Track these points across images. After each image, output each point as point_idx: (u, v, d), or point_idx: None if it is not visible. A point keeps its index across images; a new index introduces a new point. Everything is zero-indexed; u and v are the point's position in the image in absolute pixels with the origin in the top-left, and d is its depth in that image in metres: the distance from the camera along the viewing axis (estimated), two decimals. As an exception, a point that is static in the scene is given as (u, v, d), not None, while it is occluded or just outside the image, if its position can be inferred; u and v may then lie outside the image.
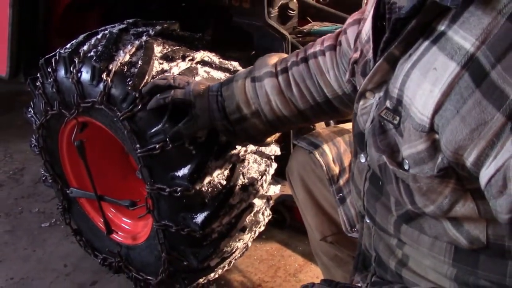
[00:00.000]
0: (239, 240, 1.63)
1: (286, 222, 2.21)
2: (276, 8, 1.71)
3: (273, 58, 1.35)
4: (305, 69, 1.29)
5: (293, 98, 1.29)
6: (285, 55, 1.38)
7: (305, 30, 1.82)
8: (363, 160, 1.00)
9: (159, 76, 1.42)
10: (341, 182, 1.35)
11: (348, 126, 1.47)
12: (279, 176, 1.79)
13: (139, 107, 1.40)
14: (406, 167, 0.80)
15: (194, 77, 1.45)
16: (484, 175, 0.69)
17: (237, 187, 1.50)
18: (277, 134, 1.45)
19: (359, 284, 1.10)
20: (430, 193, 0.79)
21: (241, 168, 1.51)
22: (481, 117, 0.66)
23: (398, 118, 0.80)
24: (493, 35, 0.66)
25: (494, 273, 0.83)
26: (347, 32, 1.21)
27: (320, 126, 1.74)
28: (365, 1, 1.90)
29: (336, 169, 1.36)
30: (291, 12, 1.74)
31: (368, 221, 1.06)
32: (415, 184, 0.80)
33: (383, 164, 0.87)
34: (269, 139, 1.42)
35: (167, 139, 1.38)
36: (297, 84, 1.28)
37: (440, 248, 0.88)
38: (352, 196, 1.15)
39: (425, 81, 0.73)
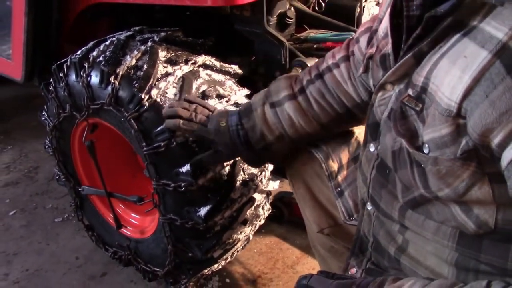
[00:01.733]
0: (241, 232, 1.63)
1: (284, 217, 2.20)
2: (275, 16, 1.70)
3: (287, 81, 1.31)
4: (322, 85, 1.27)
5: (315, 115, 1.27)
6: (295, 75, 1.35)
7: (302, 37, 1.82)
8: (372, 149, 1.00)
9: (182, 104, 1.34)
10: (339, 178, 1.35)
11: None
12: (278, 174, 1.79)
13: (145, 107, 1.40)
14: (426, 151, 0.80)
15: (214, 108, 1.38)
16: (508, 155, 0.69)
17: (238, 182, 1.50)
18: None
19: (354, 269, 1.10)
20: (447, 177, 0.79)
21: (241, 164, 1.50)
22: (511, 102, 0.66)
23: (420, 105, 0.80)
24: None
25: (496, 257, 0.82)
26: (360, 41, 1.20)
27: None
28: (358, 10, 1.90)
29: (334, 166, 1.36)
30: (289, 20, 1.73)
31: (370, 208, 1.05)
32: (434, 167, 0.79)
33: (398, 149, 0.87)
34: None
35: (191, 169, 1.37)
36: (316, 101, 1.26)
37: (445, 233, 0.87)
38: (358, 183, 1.14)
39: (454, 68, 0.73)
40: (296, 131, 1.28)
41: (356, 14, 1.89)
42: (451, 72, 0.74)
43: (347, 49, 1.27)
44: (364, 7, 1.92)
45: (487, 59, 0.69)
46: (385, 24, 0.97)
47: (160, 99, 1.41)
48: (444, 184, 0.80)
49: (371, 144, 1.00)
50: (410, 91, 0.82)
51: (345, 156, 1.37)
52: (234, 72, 1.61)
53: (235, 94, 1.54)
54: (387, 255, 1.03)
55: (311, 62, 1.65)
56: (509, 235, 0.80)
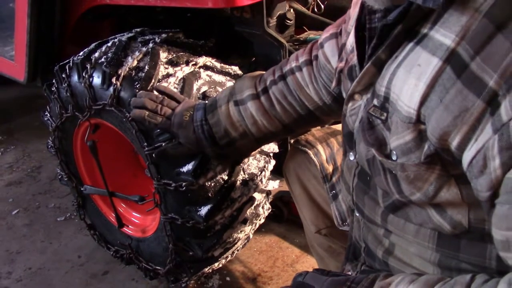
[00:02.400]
0: (241, 231, 1.63)
1: (284, 216, 2.21)
2: (275, 18, 1.70)
3: (251, 80, 1.33)
4: (284, 87, 1.28)
5: (277, 115, 1.28)
6: (260, 73, 1.36)
7: (301, 38, 1.82)
8: (352, 158, 1.01)
9: (150, 95, 1.36)
10: (334, 180, 1.36)
11: (340, 127, 1.48)
12: (277, 174, 1.80)
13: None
14: (394, 157, 0.82)
15: (183, 99, 1.39)
16: (466, 157, 0.71)
17: (238, 182, 1.50)
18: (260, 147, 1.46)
19: (350, 273, 1.11)
20: (416, 181, 0.81)
21: (241, 164, 1.51)
22: (463, 104, 0.68)
23: (385, 114, 0.82)
24: (472, 31, 0.68)
25: (474, 256, 0.84)
26: (324, 46, 1.21)
27: (315, 128, 1.74)
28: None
29: (329, 168, 1.37)
30: (289, 21, 1.74)
31: (357, 214, 1.07)
32: (403, 173, 0.81)
33: (371, 158, 0.89)
34: (252, 153, 1.46)
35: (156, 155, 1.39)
36: (279, 102, 1.27)
37: (424, 235, 0.89)
38: (342, 192, 1.16)
39: (410, 77, 0.75)
40: (259, 130, 1.30)
41: (355, 15, 1.89)
42: (407, 81, 0.76)
43: (310, 53, 1.27)
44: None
45: (438, 66, 0.71)
46: (352, 39, 0.99)
47: (161, 100, 1.41)
48: (414, 188, 0.82)
49: (350, 153, 1.02)
50: (375, 101, 0.84)
51: (340, 157, 1.38)
52: (235, 73, 1.62)
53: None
54: (377, 258, 1.04)
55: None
56: (483, 234, 0.81)
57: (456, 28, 0.70)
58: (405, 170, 0.81)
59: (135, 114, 1.34)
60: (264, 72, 1.35)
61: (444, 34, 0.71)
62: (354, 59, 0.95)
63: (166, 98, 1.37)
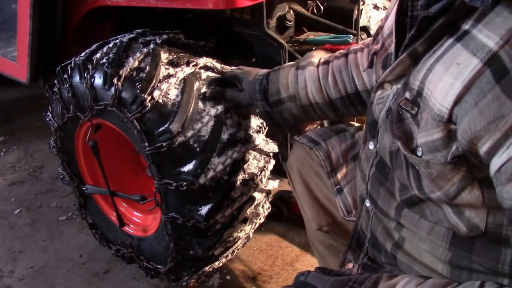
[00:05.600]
0: (241, 230, 1.63)
1: (283, 216, 2.20)
2: (275, 19, 1.71)
3: (321, 52, 1.40)
4: (343, 62, 1.31)
5: (327, 86, 1.31)
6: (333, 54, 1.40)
7: (301, 39, 1.82)
8: (371, 146, 1.00)
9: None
10: (339, 175, 1.35)
11: (344, 125, 1.48)
12: (277, 174, 1.79)
13: (147, 108, 1.40)
14: (419, 153, 0.80)
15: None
16: (495, 163, 0.69)
17: (238, 181, 1.50)
18: (310, 126, 1.46)
19: (351, 263, 1.10)
20: (439, 180, 0.79)
21: (241, 164, 1.51)
22: (499, 111, 0.66)
23: (416, 108, 0.80)
24: None
25: (488, 259, 0.82)
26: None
27: (316, 125, 1.74)
28: (355, 13, 1.90)
29: (334, 164, 1.36)
30: (288, 22, 1.74)
31: (368, 204, 1.06)
32: (426, 170, 0.80)
33: (395, 150, 0.87)
34: (307, 127, 1.49)
35: (213, 93, 1.46)
36: (333, 74, 1.30)
37: (439, 233, 0.88)
38: (357, 179, 1.14)
39: (447, 75, 0.73)
40: (306, 96, 1.33)
41: (354, 16, 1.89)
42: (444, 78, 0.74)
43: (376, 36, 1.28)
44: (362, 10, 1.92)
45: (478, 68, 0.69)
46: (390, 22, 0.97)
47: (162, 100, 1.41)
48: (436, 186, 0.80)
49: (371, 142, 1.00)
50: (407, 94, 0.82)
51: (344, 154, 1.38)
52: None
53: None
54: (384, 251, 1.03)
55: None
56: (499, 239, 0.80)
57: (501, 31, 0.68)
58: (429, 168, 0.79)
59: (215, 80, 1.48)
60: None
61: (487, 35, 0.69)
62: (392, 47, 0.93)
63: None
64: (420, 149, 0.79)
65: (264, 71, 1.42)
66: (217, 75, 1.55)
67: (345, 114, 1.38)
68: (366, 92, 1.27)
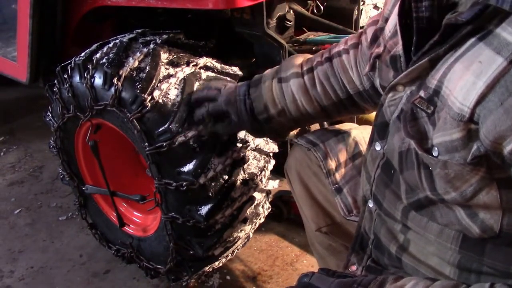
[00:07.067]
0: (241, 230, 1.63)
1: (283, 216, 2.20)
2: (275, 19, 1.70)
3: (299, 59, 1.34)
4: (329, 68, 1.27)
5: (317, 96, 1.28)
6: (310, 56, 1.37)
7: (301, 39, 1.82)
8: (378, 148, 0.99)
9: (202, 87, 1.45)
10: (337, 175, 1.35)
11: (343, 126, 1.47)
12: (277, 174, 1.79)
13: (147, 108, 1.40)
14: (435, 153, 0.78)
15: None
16: None
17: (238, 181, 1.50)
18: (298, 128, 1.45)
19: (355, 266, 1.09)
20: (455, 180, 0.77)
21: (241, 164, 1.50)
22: None
23: (432, 107, 0.79)
24: None
25: (499, 261, 0.81)
26: (367, 32, 1.20)
27: (316, 127, 1.74)
28: (355, 13, 1.90)
29: (332, 164, 1.36)
30: (288, 22, 1.73)
31: (371, 205, 1.05)
32: (442, 170, 0.78)
33: (405, 151, 0.86)
34: (291, 134, 1.44)
35: (203, 134, 1.40)
36: (321, 82, 1.27)
37: (448, 236, 0.86)
38: (361, 180, 1.13)
39: (468, 73, 0.71)
40: (297, 109, 1.29)
41: (354, 16, 1.90)
42: (465, 77, 0.72)
43: (359, 37, 1.27)
44: (362, 10, 1.92)
45: (502, 66, 0.67)
46: (392, 24, 0.96)
47: (162, 100, 1.41)
48: (451, 187, 0.79)
49: (377, 143, 0.99)
50: (422, 93, 0.81)
51: (343, 155, 1.37)
52: (235, 73, 1.61)
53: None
54: (387, 253, 1.02)
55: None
56: None
57: None
58: (446, 168, 0.77)
59: (192, 101, 1.40)
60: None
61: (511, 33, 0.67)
62: (398, 49, 0.91)
63: (210, 84, 1.42)
64: (436, 149, 0.78)
65: (241, 87, 1.33)
66: (217, 75, 1.55)
67: (338, 117, 1.38)
68: (359, 94, 1.25)
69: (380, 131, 0.98)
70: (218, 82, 1.40)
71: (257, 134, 1.39)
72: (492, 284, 0.72)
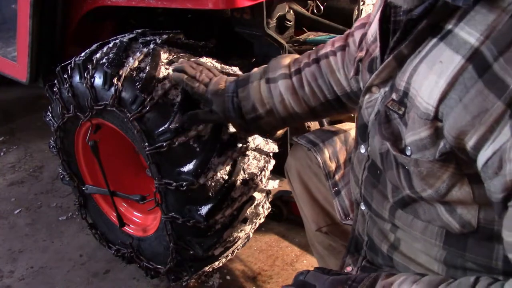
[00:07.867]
0: (241, 230, 1.63)
1: (283, 216, 2.20)
2: (275, 19, 1.70)
3: (286, 60, 1.35)
4: (317, 69, 1.29)
5: (305, 97, 1.29)
6: (297, 56, 1.37)
7: (301, 39, 1.82)
8: (363, 150, 1.01)
9: (193, 60, 1.46)
10: (337, 177, 1.35)
11: (343, 126, 1.48)
12: (277, 173, 1.79)
13: (147, 108, 1.40)
14: (408, 153, 0.81)
15: (219, 74, 1.44)
16: (482, 157, 0.70)
17: (238, 181, 1.50)
18: (286, 128, 1.45)
19: (350, 267, 1.11)
20: (429, 178, 0.80)
21: (241, 164, 1.50)
22: (482, 105, 0.67)
23: (403, 109, 0.81)
24: (497, 31, 0.67)
25: (481, 256, 0.83)
26: (354, 35, 1.22)
27: (316, 126, 1.74)
28: (355, 13, 1.90)
29: (332, 166, 1.36)
30: (288, 23, 1.74)
31: (363, 208, 1.06)
32: (416, 168, 0.80)
33: (385, 152, 0.88)
34: (278, 133, 1.44)
35: (185, 119, 1.39)
36: (309, 83, 1.28)
37: (432, 232, 0.88)
38: (351, 184, 1.15)
39: (431, 73, 0.74)
40: (286, 109, 1.30)
41: (354, 16, 1.89)
42: (428, 77, 0.75)
43: (345, 39, 1.28)
44: (361, 10, 1.92)
45: (460, 64, 0.70)
46: (374, 29, 0.98)
47: (162, 100, 1.41)
48: (426, 185, 0.81)
49: (362, 146, 1.01)
50: (394, 96, 0.83)
51: (342, 156, 1.38)
52: (235, 74, 1.61)
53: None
54: (380, 253, 1.03)
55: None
56: (491, 235, 0.81)
57: (481, 27, 0.69)
58: (418, 166, 0.80)
59: (175, 77, 1.40)
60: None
61: (469, 32, 0.70)
62: (376, 51, 0.94)
63: (205, 68, 1.41)
64: (409, 148, 0.80)
65: (231, 85, 1.34)
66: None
67: (326, 117, 1.40)
68: (346, 96, 1.27)
69: (362, 134, 1.00)
70: (209, 72, 1.41)
71: (242, 131, 1.40)
72: (477, 277, 0.74)
